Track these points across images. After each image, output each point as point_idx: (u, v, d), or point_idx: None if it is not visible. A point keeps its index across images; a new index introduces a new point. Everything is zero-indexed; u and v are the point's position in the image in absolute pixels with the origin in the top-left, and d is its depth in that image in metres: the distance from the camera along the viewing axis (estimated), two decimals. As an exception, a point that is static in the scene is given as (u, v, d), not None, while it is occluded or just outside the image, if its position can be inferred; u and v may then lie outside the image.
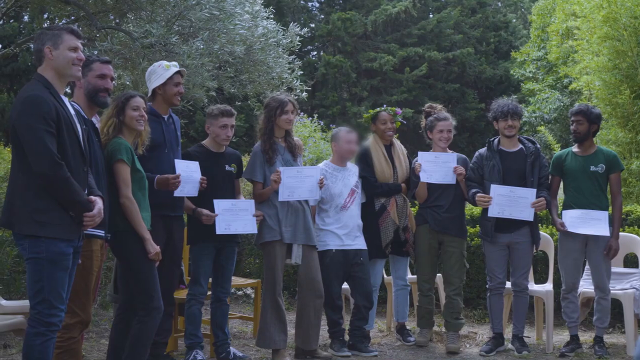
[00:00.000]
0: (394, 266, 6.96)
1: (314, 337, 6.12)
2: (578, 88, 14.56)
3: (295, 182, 5.95)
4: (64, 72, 4.21)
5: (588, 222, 6.38)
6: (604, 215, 6.37)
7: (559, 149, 12.73)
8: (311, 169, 6.22)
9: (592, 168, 6.49)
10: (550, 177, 6.69)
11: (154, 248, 4.87)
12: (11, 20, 18.92)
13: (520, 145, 6.64)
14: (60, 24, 4.25)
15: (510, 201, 6.35)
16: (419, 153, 6.61)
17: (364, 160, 6.73)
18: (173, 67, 5.72)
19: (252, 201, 5.97)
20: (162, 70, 5.70)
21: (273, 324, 5.90)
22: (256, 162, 6.04)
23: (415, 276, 7.08)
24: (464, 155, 6.93)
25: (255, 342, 6.15)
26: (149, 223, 5.00)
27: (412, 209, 7.09)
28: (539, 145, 6.69)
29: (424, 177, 6.56)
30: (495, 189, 6.39)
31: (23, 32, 18.13)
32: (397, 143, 6.97)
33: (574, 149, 6.68)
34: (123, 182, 4.85)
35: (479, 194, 6.46)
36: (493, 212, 6.40)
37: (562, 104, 18.19)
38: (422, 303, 6.82)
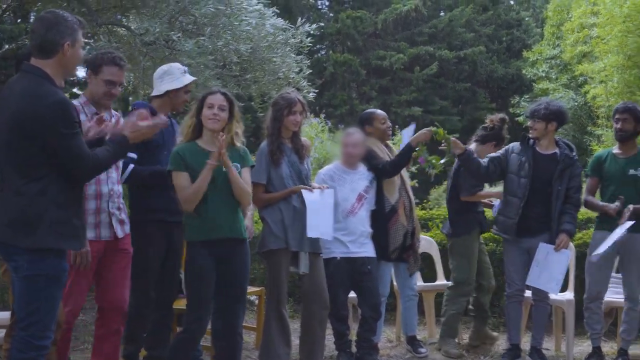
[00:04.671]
0: (405, 274, 6.62)
1: (319, 351, 5.79)
2: (594, 95, 14.34)
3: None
4: (71, 71, 3.97)
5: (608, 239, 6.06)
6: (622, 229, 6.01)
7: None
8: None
9: (631, 172, 6.17)
10: (588, 178, 6.44)
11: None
12: (19, 20, 18.75)
13: (556, 149, 6.28)
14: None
15: (547, 270, 6.05)
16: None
17: (369, 157, 6.34)
18: (188, 74, 5.55)
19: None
20: (179, 74, 5.48)
21: (277, 337, 5.55)
22: (262, 163, 5.66)
23: (425, 284, 6.87)
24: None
25: (258, 356, 5.82)
26: None
27: (423, 211, 6.80)
28: (575, 154, 6.28)
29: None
30: (532, 283, 6.15)
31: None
32: (391, 146, 6.69)
33: (615, 149, 6.37)
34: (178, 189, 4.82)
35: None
36: (555, 289, 6.17)
37: (576, 103, 17.96)
38: (459, 311, 6.66)
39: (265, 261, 5.73)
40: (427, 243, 7.68)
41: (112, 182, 4.77)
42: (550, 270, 6.04)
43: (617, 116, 6.29)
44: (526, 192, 6.15)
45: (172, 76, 5.47)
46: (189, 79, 5.49)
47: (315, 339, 5.72)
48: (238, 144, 5.02)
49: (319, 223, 5.56)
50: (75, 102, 4.68)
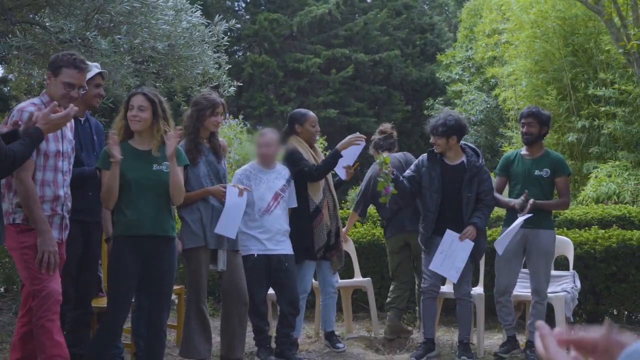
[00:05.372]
0: (327, 272, 6.73)
1: (240, 346, 5.85)
2: (505, 97, 14.73)
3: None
4: None
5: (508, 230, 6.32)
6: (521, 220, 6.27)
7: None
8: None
9: (537, 172, 6.40)
10: (496, 177, 6.66)
11: None
12: None
13: (462, 158, 6.45)
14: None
15: (450, 258, 6.25)
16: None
17: (295, 158, 6.46)
18: (95, 67, 5.45)
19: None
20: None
21: (197, 334, 5.59)
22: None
23: (343, 281, 7.04)
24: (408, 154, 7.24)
25: (179, 352, 5.85)
26: None
27: (340, 211, 6.93)
28: (482, 160, 6.49)
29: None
30: (435, 268, 6.32)
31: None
32: (317, 147, 6.80)
33: (523, 151, 6.59)
34: None
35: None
36: (455, 277, 6.33)
37: (488, 105, 18.34)
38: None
39: (185, 259, 5.77)
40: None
41: (67, 185, 4.72)
42: (453, 258, 6.25)
43: (522, 120, 6.52)
44: (438, 206, 6.36)
45: None
46: (93, 72, 5.39)
47: (235, 334, 5.77)
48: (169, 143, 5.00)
49: (228, 222, 5.60)
50: (36, 100, 4.65)
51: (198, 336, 5.59)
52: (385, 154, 6.42)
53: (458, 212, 6.34)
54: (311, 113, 6.73)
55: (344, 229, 7.38)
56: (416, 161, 6.64)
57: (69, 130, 4.71)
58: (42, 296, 4.34)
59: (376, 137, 7.52)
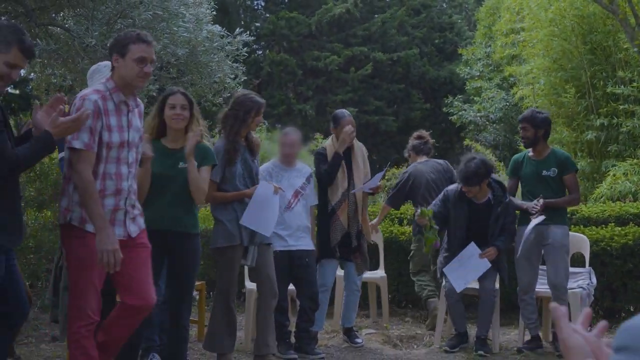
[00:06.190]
0: (350, 271, 6.84)
1: (272, 340, 5.94)
2: (522, 95, 14.71)
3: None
4: None
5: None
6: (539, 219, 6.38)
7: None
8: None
9: (544, 173, 6.50)
10: (508, 179, 6.82)
11: None
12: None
13: (488, 194, 6.59)
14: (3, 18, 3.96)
15: (464, 268, 6.40)
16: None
17: (317, 160, 6.69)
18: (106, 68, 5.46)
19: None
20: (107, 72, 5.47)
21: (222, 329, 5.69)
22: (217, 161, 5.68)
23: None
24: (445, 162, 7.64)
25: (203, 345, 5.96)
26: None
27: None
28: (507, 194, 6.58)
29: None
30: (448, 271, 6.49)
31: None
32: (356, 145, 6.83)
33: (530, 152, 6.68)
34: None
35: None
36: (460, 287, 6.47)
37: (507, 103, 18.32)
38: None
39: (218, 257, 5.82)
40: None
41: (132, 177, 4.44)
42: (466, 270, 6.42)
43: (520, 125, 6.67)
44: (463, 242, 6.54)
45: (101, 74, 5.49)
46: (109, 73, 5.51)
47: (268, 329, 5.90)
48: (204, 141, 5.26)
49: (256, 216, 5.68)
50: (101, 86, 4.38)
51: (223, 331, 5.70)
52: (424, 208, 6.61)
53: (483, 241, 6.52)
54: (347, 118, 6.74)
55: (374, 221, 7.56)
56: (442, 195, 6.77)
57: (137, 116, 4.50)
58: (80, 311, 4.20)
59: (414, 141, 7.87)
